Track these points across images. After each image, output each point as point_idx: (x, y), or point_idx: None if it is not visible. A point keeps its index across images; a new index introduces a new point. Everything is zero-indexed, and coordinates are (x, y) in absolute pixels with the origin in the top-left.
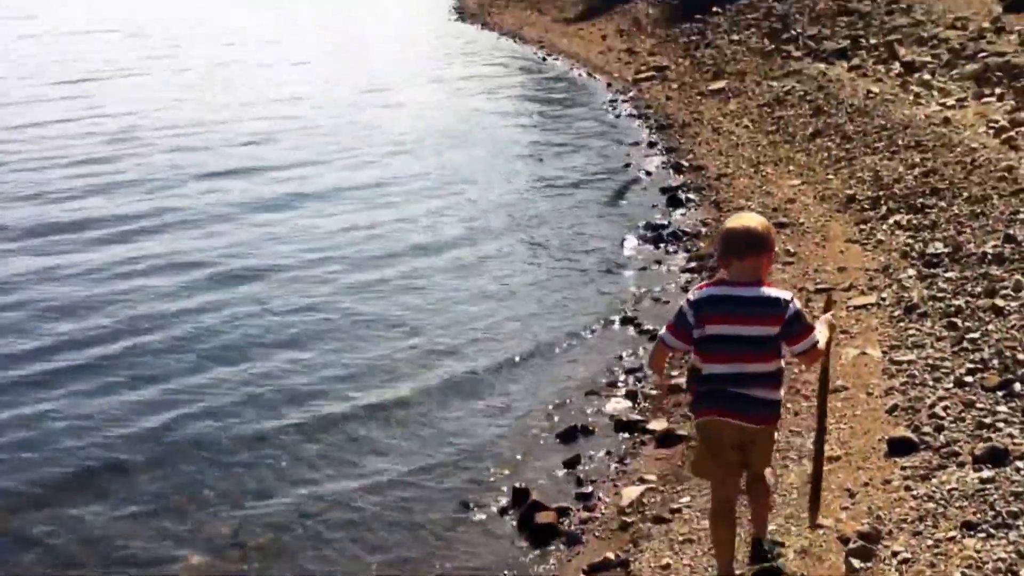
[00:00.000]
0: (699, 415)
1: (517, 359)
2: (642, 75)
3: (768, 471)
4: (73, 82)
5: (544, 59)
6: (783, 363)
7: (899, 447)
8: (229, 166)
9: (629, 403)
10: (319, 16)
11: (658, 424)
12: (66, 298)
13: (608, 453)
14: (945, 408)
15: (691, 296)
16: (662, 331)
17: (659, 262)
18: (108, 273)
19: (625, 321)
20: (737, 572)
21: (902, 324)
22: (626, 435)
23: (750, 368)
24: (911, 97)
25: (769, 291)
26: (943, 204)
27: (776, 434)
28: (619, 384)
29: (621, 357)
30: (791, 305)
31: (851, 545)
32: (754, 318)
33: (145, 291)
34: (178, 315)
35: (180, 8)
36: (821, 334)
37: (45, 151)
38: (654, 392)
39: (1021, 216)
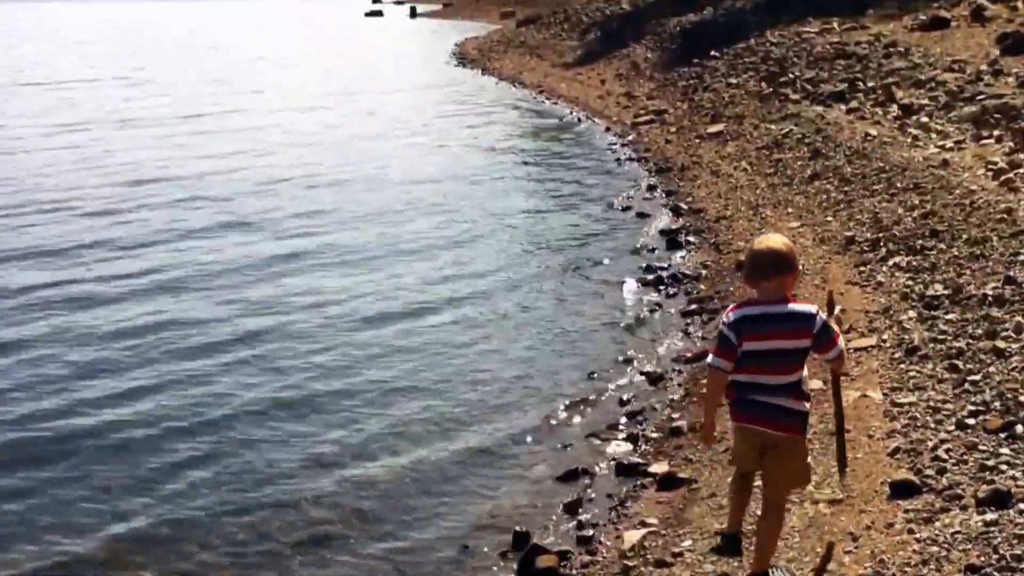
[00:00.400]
0: (735, 420)
1: (517, 402)
2: (641, 119)
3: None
4: (78, 130)
5: (543, 103)
6: (806, 373)
7: (902, 490)
8: (232, 220)
9: (630, 446)
10: (321, 61)
11: (659, 467)
12: (63, 361)
13: (609, 496)
14: (947, 451)
15: (727, 319)
16: (710, 359)
17: (659, 305)
18: (108, 336)
19: (625, 363)
20: None
21: (903, 366)
22: (627, 478)
23: (775, 380)
24: (909, 139)
25: (796, 307)
26: (943, 246)
27: (806, 454)
28: (620, 427)
29: (622, 400)
30: (818, 318)
31: None
32: (790, 332)
33: (148, 354)
34: (184, 379)
35: (182, 51)
36: (841, 337)
37: (43, 201)
38: (699, 429)
39: (1021, 258)
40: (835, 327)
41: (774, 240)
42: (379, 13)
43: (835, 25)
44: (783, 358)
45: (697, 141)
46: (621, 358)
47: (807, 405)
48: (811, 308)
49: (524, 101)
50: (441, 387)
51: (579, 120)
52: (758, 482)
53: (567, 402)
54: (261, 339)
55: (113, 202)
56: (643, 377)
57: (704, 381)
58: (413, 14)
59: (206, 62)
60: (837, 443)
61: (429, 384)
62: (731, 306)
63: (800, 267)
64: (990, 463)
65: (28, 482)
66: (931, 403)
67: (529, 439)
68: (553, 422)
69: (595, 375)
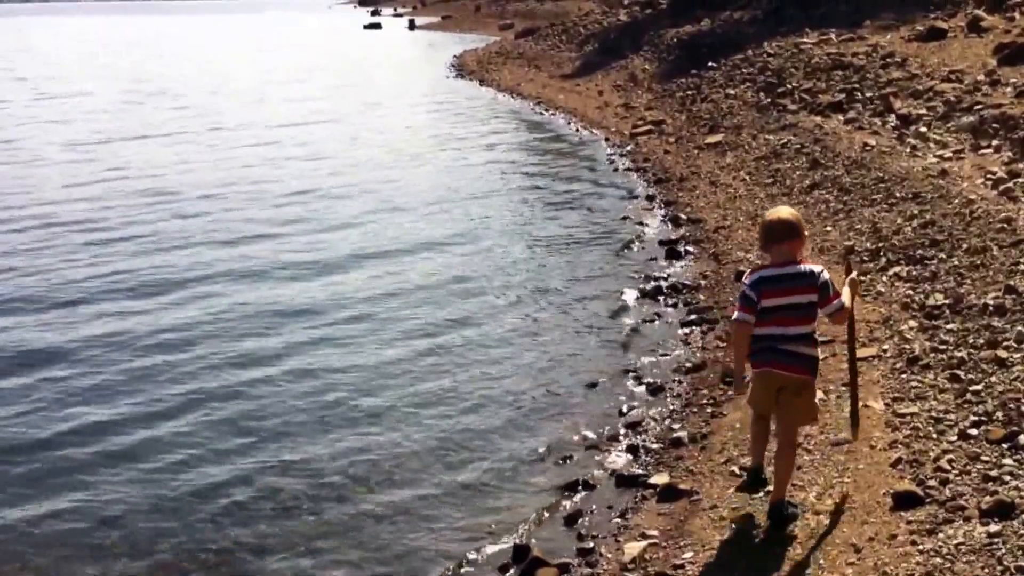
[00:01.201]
0: (755, 367)
1: (516, 413)
2: (639, 129)
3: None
4: (93, 144)
5: (542, 115)
6: (816, 325)
7: (904, 501)
8: (248, 231)
9: (630, 457)
10: (322, 73)
11: (660, 478)
12: (71, 383)
13: (609, 508)
14: (950, 461)
15: (748, 280)
16: (736, 315)
17: (658, 315)
18: (125, 344)
19: (625, 374)
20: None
21: (904, 376)
22: (627, 489)
23: (792, 330)
24: (908, 149)
25: (804, 266)
26: (942, 255)
27: (815, 394)
28: (620, 437)
29: (622, 410)
30: (822, 275)
31: None
32: (799, 289)
33: (164, 369)
34: (196, 398)
35: (199, 67)
36: (846, 297)
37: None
38: (734, 379)
39: (1022, 267)
40: (838, 288)
41: (783, 211)
42: (378, 26)
43: (832, 36)
44: (796, 311)
45: (696, 151)
46: (620, 368)
47: (817, 351)
48: (817, 267)
49: (522, 112)
50: (439, 398)
51: (577, 131)
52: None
53: (567, 413)
54: (261, 359)
55: (122, 215)
56: (643, 387)
57: (701, 389)
58: (412, 26)
59: (212, 76)
60: (851, 393)
61: (427, 396)
62: (749, 270)
63: (806, 234)
64: (993, 474)
65: (30, 506)
66: (933, 413)
67: (528, 450)
68: (553, 433)
69: (595, 385)
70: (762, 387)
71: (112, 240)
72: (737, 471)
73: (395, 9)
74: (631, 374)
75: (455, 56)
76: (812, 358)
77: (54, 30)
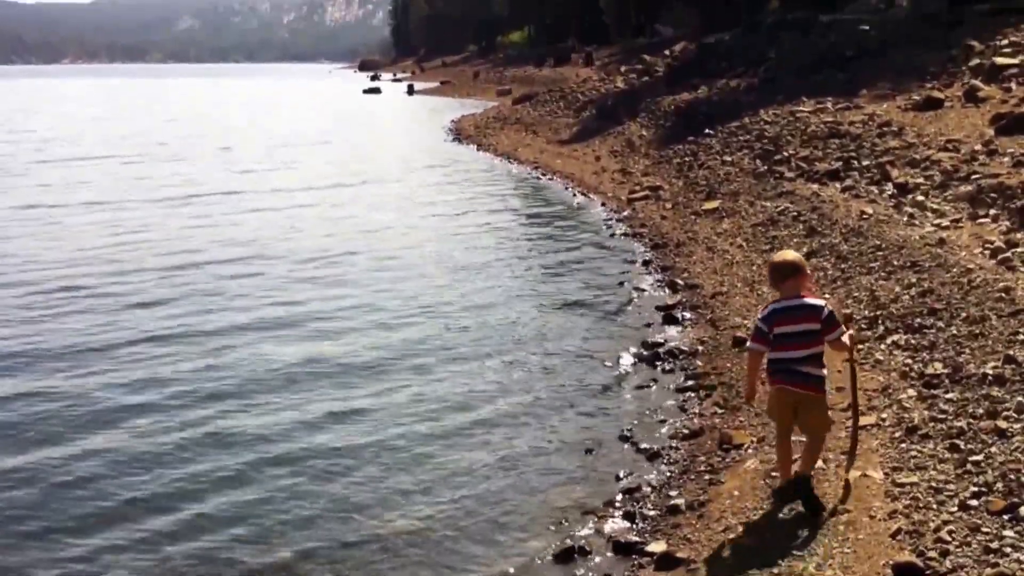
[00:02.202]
0: (772, 384)
1: (512, 477)
2: (636, 195)
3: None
4: (103, 207)
5: (539, 179)
6: (823, 349)
7: (904, 572)
8: (256, 294)
9: (627, 523)
10: (323, 138)
11: (657, 546)
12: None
13: None
14: (950, 532)
15: (762, 315)
16: (749, 344)
17: (655, 380)
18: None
19: (622, 439)
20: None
21: (903, 445)
22: (624, 557)
23: (802, 353)
24: (905, 218)
25: (809, 300)
26: (941, 324)
27: (826, 407)
28: (617, 504)
29: (618, 476)
30: (825, 308)
31: None
32: (803, 318)
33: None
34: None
35: (202, 132)
36: (846, 336)
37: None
38: (742, 396)
39: (1021, 337)
40: (840, 321)
41: (788, 253)
42: (377, 90)
43: (829, 105)
44: (804, 337)
45: (693, 217)
46: (617, 434)
47: (824, 371)
48: (820, 302)
49: (520, 177)
50: (434, 460)
51: (575, 196)
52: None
53: (563, 478)
54: (270, 433)
55: (138, 279)
56: (640, 453)
57: (698, 456)
58: (411, 91)
59: (215, 140)
60: (853, 421)
61: (422, 455)
62: (762, 306)
63: (808, 271)
64: (994, 545)
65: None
66: (933, 483)
67: (524, 515)
68: (548, 498)
69: (591, 451)
70: (778, 402)
71: (119, 302)
72: (735, 537)
73: (394, 74)
74: (628, 440)
75: (453, 121)
76: (820, 377)
77: (56, 92)
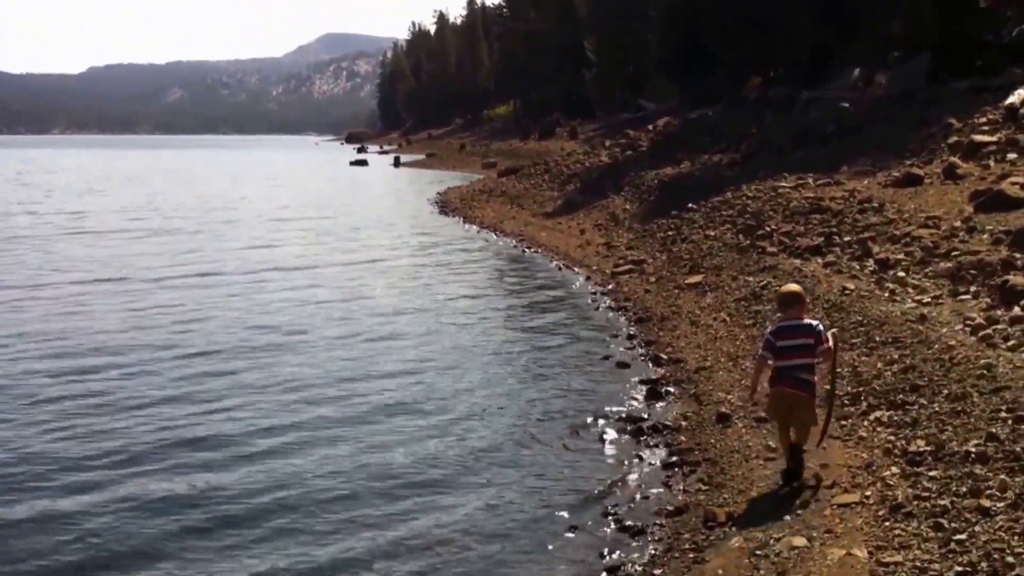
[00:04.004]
0: (773, 387)
1: (495, 553)
2: (621, 268)
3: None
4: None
5: (524, 252)
6: (815, 361)
7: None
8: (227, 384)
9: None
10: (310, 210)
11: None
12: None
13: None
14: None
15: (771, 330)
16: (759, 352)
17: (640, 456)
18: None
19: (605, 516)
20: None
21: (888, 524)
22: None
23: (799, 362)
24: (887, 294)
25: (808, 321)
26: (924, 401)
27: (815, 408)
28: None
29: (602, 554)
30: (818, 326)
31: None
32: (802, 334)
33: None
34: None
35: (193, 206)
36: (832, 340)
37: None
38: (749, 392)
39: (1002, 415)
40: (829, 337)
41: (791, 286)
42: (364, 162)
43: (810, 181)
44: (801, 349)
45: (676, 291)
46: (601, 511)
47: (815, 378)
48: (815, 322)
49: (505, 250)
50: (414, 526)
51: (559, 269)
52: None
53: (545, 556)
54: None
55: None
56: (624, 531)
57: (683, 534)
58: (397, 163)
59: (202, 215)
60: (827, 413)
61: (405, 537)
62: (770, 325)
63: (807, 300)
64: None
65: None
66: (917, 563)
67: None
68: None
69: (575, 527)
70: (777, 402)
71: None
72: None
73: (381, 146)
74: (611, 516)
75: (439, 193)
76: (812, 383)
77: (45, 165)
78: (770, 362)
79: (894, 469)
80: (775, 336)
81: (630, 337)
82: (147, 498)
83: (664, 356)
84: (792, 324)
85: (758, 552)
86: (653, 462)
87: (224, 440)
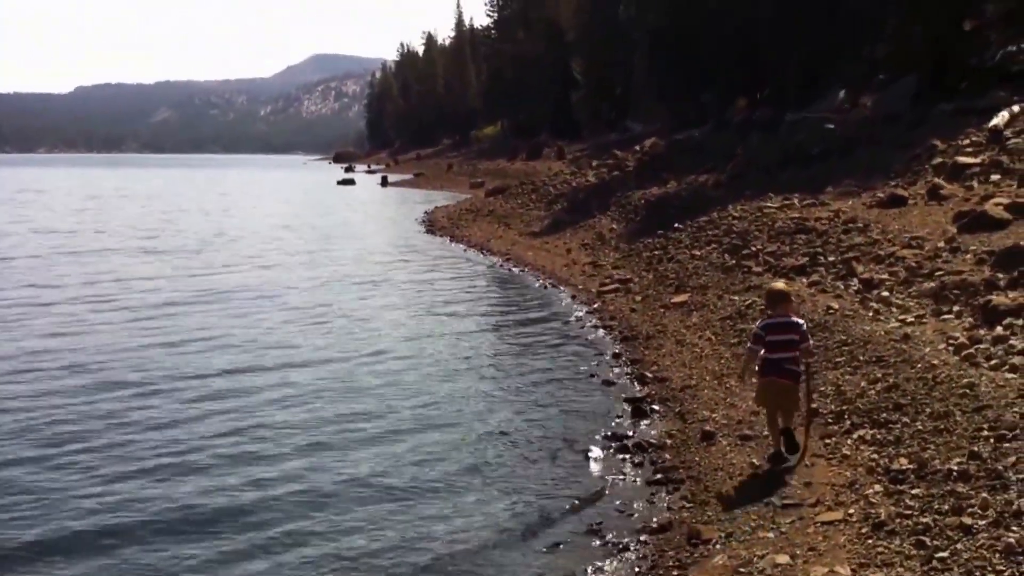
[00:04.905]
0: (763, 377)
1: (478, 572)
2: (607, 287)
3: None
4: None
5: (511, 271)
6: (799, 353)
7: None
8: (243, 389)
9: None
10: (297, 230)
11: None
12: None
13: None
14: None
15: (759, 324)
16: (749, 345)
17: (624, 473)
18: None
19: (590, 533)
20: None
21: (870, 541)
22: None
23: (786, 355)
24: (871, 313)
25: (793, 318)
26: (907, 420)
27: (798, 391)
28: None
29: (586, 571)
30: (802, 325)
31: None
32: (789, 330)
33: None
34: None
35: (176, 220)
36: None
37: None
38: (741, 379)
39: (984, 433)
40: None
41: (779, 284)
42: (351, 182)
43: (795, 201)
44: (788, 344)
45: (662, 310)
46: (585, 528)
47: (801, 368)
48: (800, 320)
49: (492, 269)
50: (396, 554)
51: (545, 288)
52: None
53: (529, 572)
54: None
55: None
56: (608, 547)
57: (667, 551)
58: (384, 183)
59: (190, 235)
60: (806, 419)
61: (380, 547)
62: (760, 320)
63: (793, 298)
64: None
65: None
66: None
67: None
68: None
69: (559, 543)
70: (767, 390)
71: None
72: None
73: (368, 166)
74: (596, 533)
75: (426, 212)
76: (797, 372)
77: (28, 182)
78: (761, 353)
79: (877, 487)
80: (765, 331)
81: (615, 355)
82: (138, 510)
83: (649, 374)
84: (781, 321)
85: (742, 570)
86: (637, 479)
87: (206, 456)
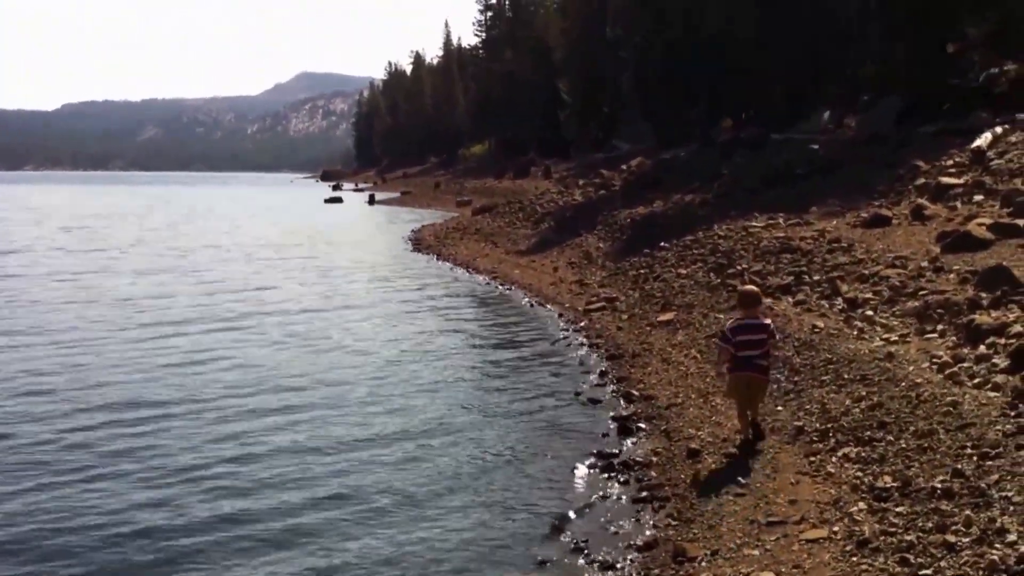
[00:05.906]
0: (733, 373)
1: None
2: (593, 306)
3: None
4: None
5: (497, 289)
6: (768, 349)
7: None
8: (235, 405)
9: None
10: (284, 249)
11: None
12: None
13: None
14: None
15: (728, 326)
16: (719, 343)
17: (610, 491)
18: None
19: (575, 552)
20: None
21: (855, 559)
22: None
23: (755, 352)
24: (855, 332)
25: (761, 319)
26: (891, 438)
27: (767, 387)
28: None
29: None
30: (770, 325)
31: None
32: (757, 330)
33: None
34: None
35: (169, 246)
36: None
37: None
38: (715, 373)
39: (968, 451)
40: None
41: (752, 288)
42: (339, 200)
43: (780, 221)
44: (757, 343)
45: (648, 329)
46: (571, 546)
47: (768, 363)
48: (767, 321)
49: (478, 287)
50: (380, 572)
51: (532, 306)
52: None
53: None
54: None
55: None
56: (593, 565)
57: (652, 569)
58: (372, 201)
59: (175, 251)
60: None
61: (364, 563)
62: (730, 320)
63: (763, 300)
64: None
65: None
66: None
67: None
68: None
69: (545, 563)
70: (738, 384)
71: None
72: None
73: (356, 184)
74: (582, 552)
75: (413, 230)
76: (766, 367)
77: (25, 201)
78: (733, 351)
79: (861, 505)
80: (734, 332)
81: (602, 374)
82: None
83: (635, 392)
84: (750, 323)
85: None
86: (623, 497)
87: (198, 470)
